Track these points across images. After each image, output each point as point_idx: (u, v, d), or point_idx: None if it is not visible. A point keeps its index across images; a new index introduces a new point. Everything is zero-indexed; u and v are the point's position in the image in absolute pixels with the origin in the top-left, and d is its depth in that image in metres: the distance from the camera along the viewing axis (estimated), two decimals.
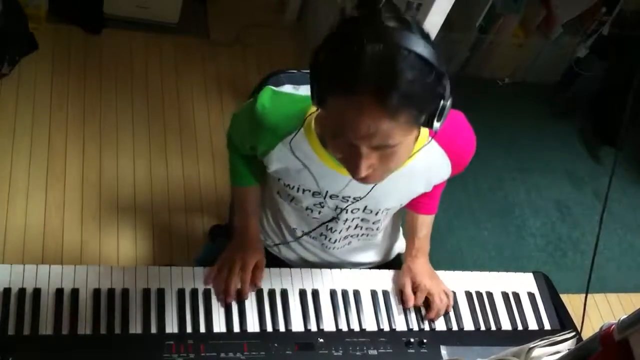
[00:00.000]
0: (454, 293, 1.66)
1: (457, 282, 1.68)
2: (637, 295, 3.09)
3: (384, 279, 1.65)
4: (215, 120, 3.02)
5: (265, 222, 1.72)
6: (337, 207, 1.50)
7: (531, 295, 1.72)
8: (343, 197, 1.47)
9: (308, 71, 1.18)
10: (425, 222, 1.70)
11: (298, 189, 1.48)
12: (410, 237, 1.71)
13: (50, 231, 2.48)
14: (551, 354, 1.21)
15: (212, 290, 1.51)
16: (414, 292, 1.61)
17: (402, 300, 1.61)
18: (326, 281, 1.59)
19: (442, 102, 1.14)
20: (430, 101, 1.13)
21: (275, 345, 1.44)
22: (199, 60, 3.22)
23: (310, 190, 1.47)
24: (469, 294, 1.67)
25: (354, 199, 1.47)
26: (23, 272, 1.41)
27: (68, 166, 2.67)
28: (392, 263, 1.82)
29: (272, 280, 1.56)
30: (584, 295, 1.59)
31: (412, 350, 1.52)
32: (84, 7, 3.09)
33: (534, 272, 1.78)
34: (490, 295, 1.69)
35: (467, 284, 1.69)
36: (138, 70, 3.08)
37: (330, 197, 1.47)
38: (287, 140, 1.39)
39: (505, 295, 1.70)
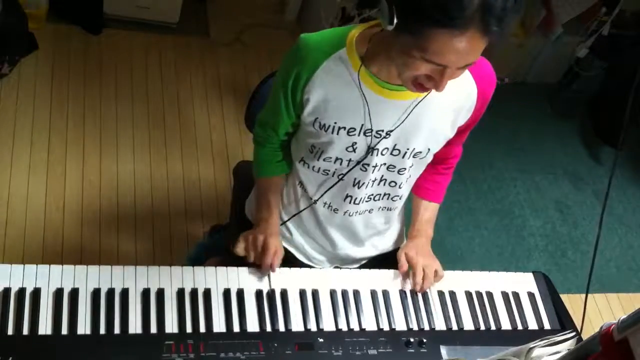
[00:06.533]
0: (454, 293, 1.66)
1: (457, 282, 1.68)
2: (637, 295, 3.08)
3: (384, 279, 1.65)
4: (215, 120, 3.02)
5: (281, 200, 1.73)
6: (369, 147, 1.51)
7: (531, 295, 1.72)
8: (377, 132, 1.48)
9: None
10: (428, 208, 1.74)
11: (333, 129, 1.48)
12: (412, 221, 1.74)
13: (50, 231, 2.48)
14: (551, 354, 1.21)
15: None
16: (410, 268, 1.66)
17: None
18: (326, 281, 1.59)
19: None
20: (510, 18, 1.20)
21: (275, 345, 1.44)
22: (199, 61, 3.22)
23: (345, 128, 1.48)
24: (469, 294, 1.67)
25: (387, 133, 1.48)
26: (23, 272, 1.41)
27: (68, 166, 2.67)
28: (392, 260, 1.82)
29: (272, 280, 1.56)
30: (584, 295, 1.59)
31: (412, 350, 1.52)
32: (84, 7, 3.09)
33: (534, 272, 1.78)
34: (490, 295, 1.69)
35: (467, 284, 1.69)
36: (138, 70, 3.08)
37: (365, 133, 1.48)
38: (331, 57, 1.43)
39: (505, 295, 1.70)
